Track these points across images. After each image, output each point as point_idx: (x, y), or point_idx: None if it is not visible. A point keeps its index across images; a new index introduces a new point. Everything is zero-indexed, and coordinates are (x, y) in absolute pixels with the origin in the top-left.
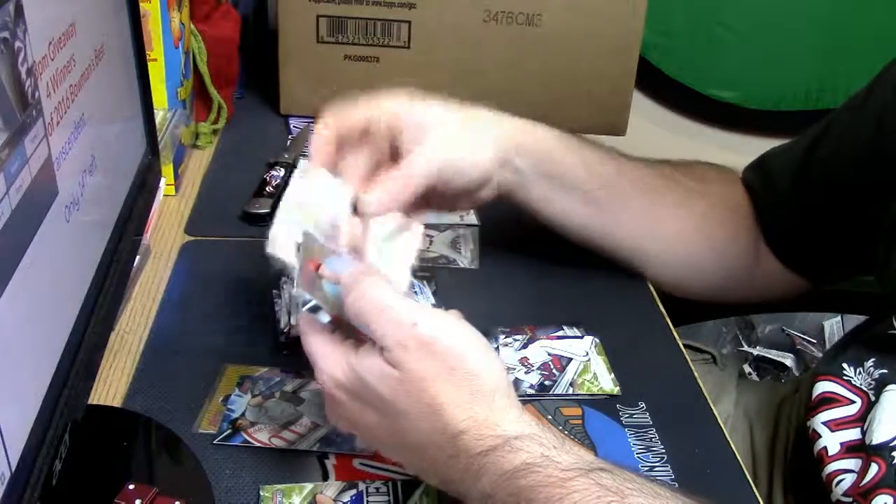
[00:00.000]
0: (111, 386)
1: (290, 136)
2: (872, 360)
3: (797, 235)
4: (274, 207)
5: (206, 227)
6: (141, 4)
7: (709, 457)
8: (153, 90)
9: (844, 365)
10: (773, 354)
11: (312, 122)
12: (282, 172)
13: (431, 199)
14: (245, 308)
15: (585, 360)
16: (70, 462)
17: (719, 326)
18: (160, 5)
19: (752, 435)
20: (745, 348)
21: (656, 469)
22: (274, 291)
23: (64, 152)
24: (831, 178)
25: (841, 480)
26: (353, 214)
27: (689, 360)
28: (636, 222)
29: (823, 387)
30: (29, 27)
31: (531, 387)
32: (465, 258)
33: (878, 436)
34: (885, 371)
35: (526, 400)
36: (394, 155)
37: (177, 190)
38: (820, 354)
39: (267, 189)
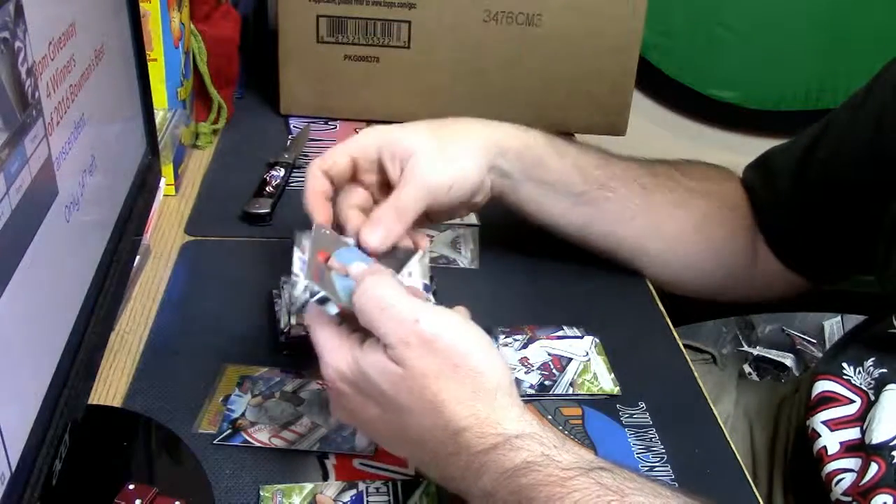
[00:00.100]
0: (111, 386)
1: (290, 136)
2: (872, 359)
3: (797, 235)
4: (274, 207)
5: (206, 227)
6: (141, 4)
7: (709, 457)
8: (153, 90)
9: (844, 364)
10: (773, 354)
11: (312, 122)
12: (282, 172)
13: (429, 215)
14: (245, 308)
15: (585, 360)
16: (70, 462)
17: (719, 326)
18: (160, 5)
19: (752, 435)
20: (745, 348)
21: (656, 469)
22: (274, 291)
23: (64, 152)
24: (831, 177)
25: (841, 480)
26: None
27: (689, 360)
28: (635, 223)
29: (823, 386)
30: (29, 27)
31: (531, 387)
32: (465, 258)
33: (878, 435)
34: (884, 370)
35: (526, 400)
36: (386, 183)
37: (177, 190)
38: (820, 354)
39: (267, 189)
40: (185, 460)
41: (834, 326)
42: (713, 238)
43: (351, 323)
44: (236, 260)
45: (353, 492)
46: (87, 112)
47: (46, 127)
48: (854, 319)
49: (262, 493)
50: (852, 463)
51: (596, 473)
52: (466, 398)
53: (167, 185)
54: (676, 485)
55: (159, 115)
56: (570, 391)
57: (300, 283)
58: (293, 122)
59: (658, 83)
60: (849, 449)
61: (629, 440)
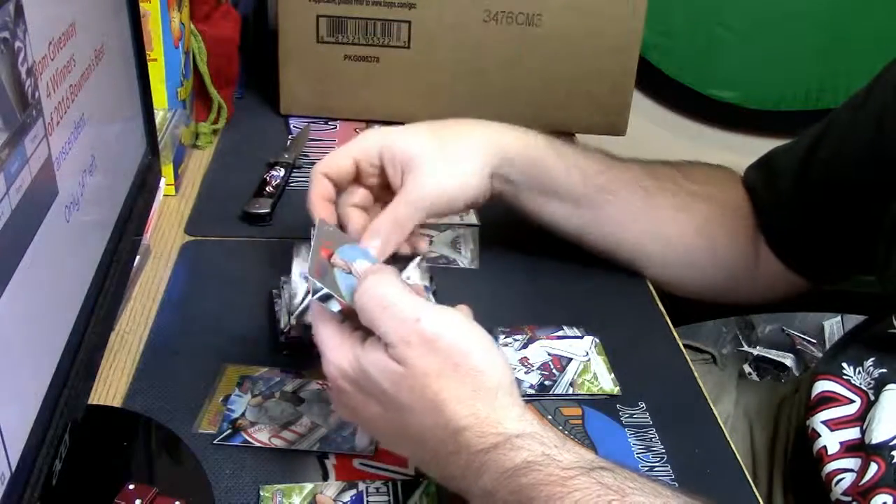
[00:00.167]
0: (111, 386)
1: (290, 136)
2: (872, 359)
3: (798, 236)
4: (274, 207)
5: (206, 227)
6: (141, 4)
7: (709, 457)
8: (153, 90)
9: (844, 364)
10: (773, 354)
11: (312, 122)
12: (282, 172)
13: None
14: (245, 308)
15: (585, 360)
16: (70, 462)
17: (719, 326)
18: (160, 5)
19: (752, 435)
20: (745, 348)
21: (656, 469)
22: (274, 291)
23: (64, 152)
24: (832, 178)
25: (840, 480)
26: None
27: (689, 360)
28: (635, 227)
29: (823, 386)
30: (29, 27)
31: (531, 387)
32: (465, 258)
33: (878, 435)
34: (884, 370)
35: (526, 400)
36: (387, 184)
37: (177, 190)
38: (820, 354)
39: (267, 189)
40: (185, 460)
41: (834, 326)
42: (715, 241)
43: (353, 321)
44: (236, 260)
45: (353, 492)
46: (87, 112)
47: (46, 127)
48: (854, 319)
49: (262, 493)
50: (852, 463)
51: (597, 473)
52: (467, 397)
53: (167, 185)
54: (676, 485)
55: (159, 115)
56: (570, 391)
57: (300, 293)
58: (293, 122)
59: (658, 83)
60: (849, 449)
61: (629, 440)
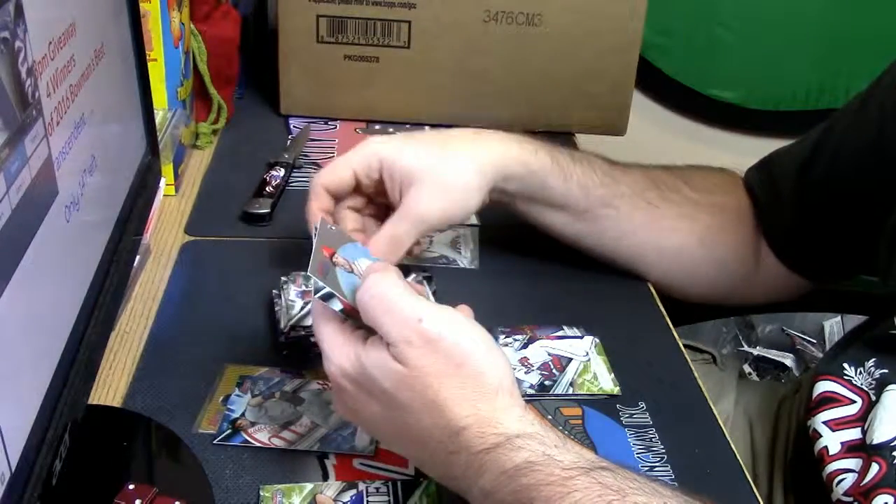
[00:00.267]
0: (111, 386)
1: (290, 136)
2: (873, 359)
3: (799, 237)
4: (274, 207)
5: (206, 227)
6: (141, 4)
7: (709, 457)
8: (153, 90)
9: (845, 365)
10: (773, 354)
11: (312, 122)
12: (282, 172)
13: None
14: (245, 308)
15: (585, 360)
16: (70, 462)
17: (719, 326)
18: (160, 5)
19: (752, 435)
20: (745, 348)
21: (656, 469)
22: (274, 291)
23: (64, 152)
24: (833, 179)
25: (841, 480)
26: None
27: (689, 360)
28: (637, 238)
29: (824, 386)
30: (29, 27)
31: (531, 387)
32: (465, 258)
33: (879, 435)
34: (885, 371)
35: (526, 400)
36: (383, 191)
37: (177, 190)
38: (820, 354)
39: (267, 189)
40: (185, 460)
41: (834, 326)
42: (717, 250)
43: (355, 320)
44: (236, 260)
45: (353, 492)
46: (87, 112)
47: (46, 127)
48: (854, 320)
49: (262, 493)
50: (853, 463)
51: (597, 473)
52: (468, 398)
53: (167, 185)
54: (676, 485)
55: (159, 115)
56: (570, 391)
57: (298, 304)
58: (293, 122)
59: (658, 83)
60: (850, 449)
61: (629, 440)
